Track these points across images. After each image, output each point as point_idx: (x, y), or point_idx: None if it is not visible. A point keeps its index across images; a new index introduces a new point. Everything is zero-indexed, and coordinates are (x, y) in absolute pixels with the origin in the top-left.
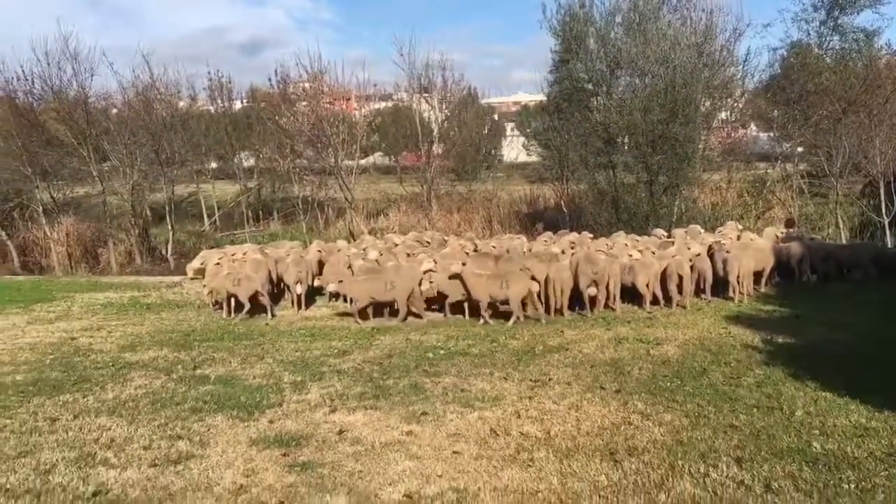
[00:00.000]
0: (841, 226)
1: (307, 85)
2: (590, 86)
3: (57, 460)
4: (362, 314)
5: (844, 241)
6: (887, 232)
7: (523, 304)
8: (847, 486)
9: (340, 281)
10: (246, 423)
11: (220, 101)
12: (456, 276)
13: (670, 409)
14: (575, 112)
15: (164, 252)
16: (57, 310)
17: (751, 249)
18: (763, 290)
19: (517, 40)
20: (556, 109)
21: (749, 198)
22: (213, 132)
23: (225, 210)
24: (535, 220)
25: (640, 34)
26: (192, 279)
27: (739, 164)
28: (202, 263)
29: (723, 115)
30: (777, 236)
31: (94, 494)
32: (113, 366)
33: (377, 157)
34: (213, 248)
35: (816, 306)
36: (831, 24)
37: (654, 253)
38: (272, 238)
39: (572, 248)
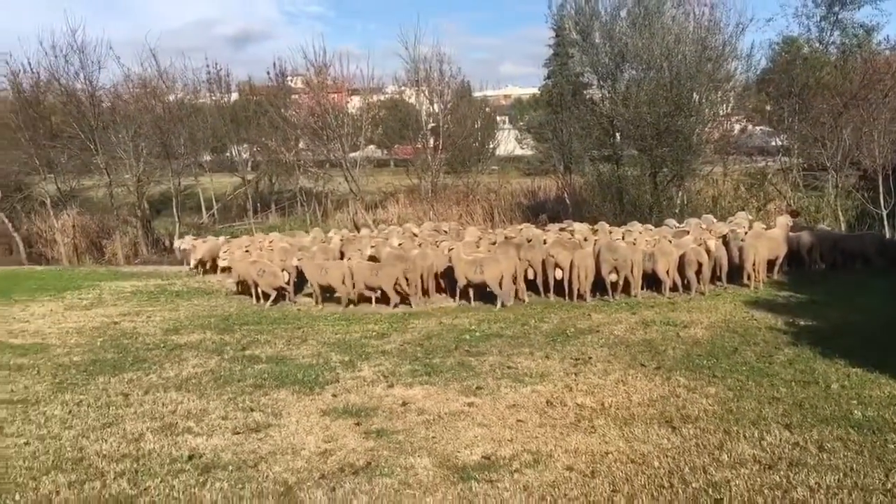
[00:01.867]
0: (840, 217)
1: (313, 78)
2: (595, 79)
3: (143, 430)
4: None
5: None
6: (885, 223)
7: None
8: (893, 446)
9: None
10: (310, 397)
11: (218, 94)
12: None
13: (712, 384)
14: (580, 105)
15: (167, 243)
16: (88, 297)
17: (765, 238)
18: (776, 277)
19: (505, 33)
20: (558, 102)
21: (745, 189)
22: (211, 124)
23: (223, 202)
24: (536, 212)
25: (645, 28)
26: (192, 269)
27: (737, 157)
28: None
29: (723, 108)
30: (788, 226)
31: (190, 458)
32: (164, 347)
33: (370, 150)
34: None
35: (830, 292)
36: (832, 19)
37: (670, 241)
38: (271, 230)
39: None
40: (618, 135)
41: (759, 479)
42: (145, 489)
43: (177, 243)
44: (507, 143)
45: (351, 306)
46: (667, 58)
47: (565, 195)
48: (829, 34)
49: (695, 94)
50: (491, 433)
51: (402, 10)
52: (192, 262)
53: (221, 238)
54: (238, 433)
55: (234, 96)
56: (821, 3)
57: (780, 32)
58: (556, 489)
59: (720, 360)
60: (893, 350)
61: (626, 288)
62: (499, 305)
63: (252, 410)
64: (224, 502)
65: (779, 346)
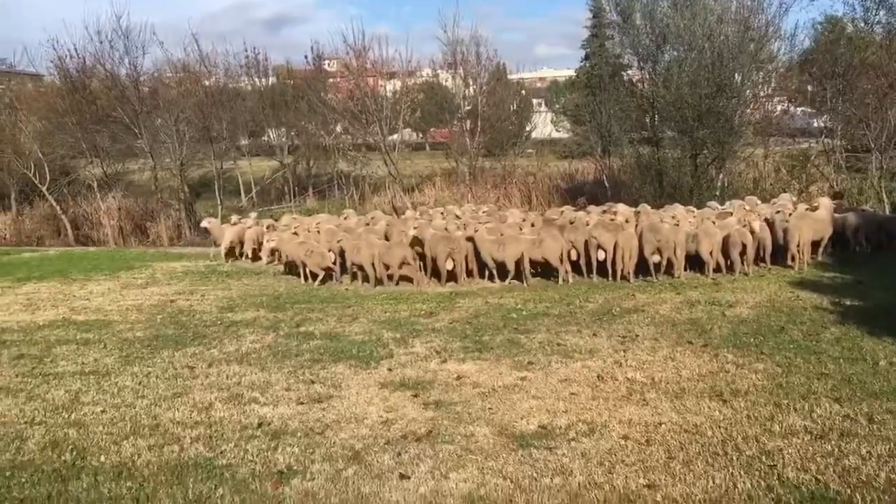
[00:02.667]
0: (884, 199)
1: (353, 62)
2: (635, 61)
3: (212, 399)
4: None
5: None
6: None
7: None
8: None
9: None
10: (367, 371)
11: (256, 79)
12: (470, 240)
13: (761, 360)
14: (618, 87)
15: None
16: (142, 276)
17: (809, 219)
18: (820, 258)
19: (539, 15)
20: (597, 84)
21: (786, 172)
22: (250, 108)
23: (262, 186)
24: (574, 195)
25: (687, 8)
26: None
27: (778, 138)
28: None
29: (765, 89)
30: (832, 207)
31: (259, 425)
32: (221, 324)
33: (407, 133)
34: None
35: (876, 273)
36: None
37: (714, 222)
38: (309, 213)
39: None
40: (657, 116)
41: (810, 448)
42: (221, 452)
43: (205, 223)
44: (544, 126)
45: (390, 286)
46: (708, 38)
47: (604, 178)
48: (874, 14)
49: (737, 75)
50: (545, 405)
51: None
52: (223, 248)
53: (252, 222)
54: (302, 403)
55: (272, 80)
56: None
57: (822, 12)
58: (613, 456)
59: (767, 338)
60: None
61: (669, 269)
62: (507, 280)
63: (313, 383)
64: (297, 464)
65: (825, 324)
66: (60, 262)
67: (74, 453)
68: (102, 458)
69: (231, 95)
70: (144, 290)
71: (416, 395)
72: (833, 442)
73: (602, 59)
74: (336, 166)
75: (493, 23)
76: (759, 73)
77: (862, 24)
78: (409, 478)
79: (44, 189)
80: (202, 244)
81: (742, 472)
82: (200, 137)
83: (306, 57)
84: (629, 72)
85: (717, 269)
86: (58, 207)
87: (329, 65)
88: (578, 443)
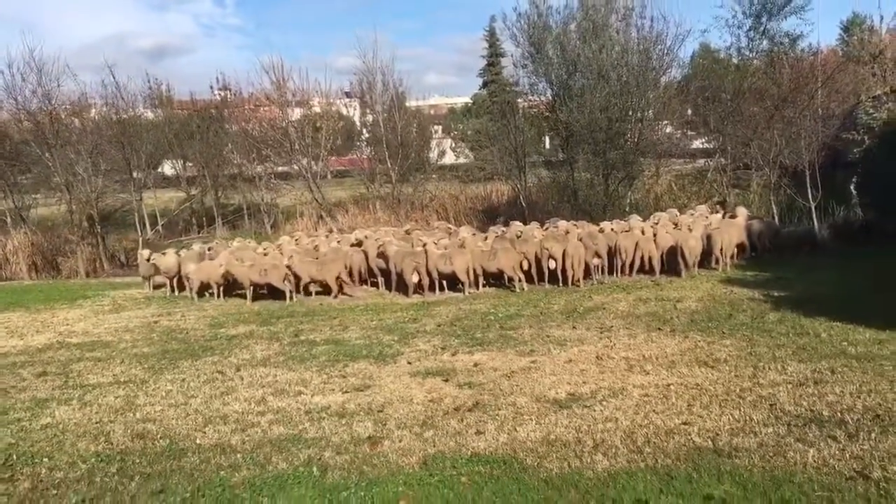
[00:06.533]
0: (774, 210)
1: (272, 92)
2: (548, 88)
3: (262, 394)
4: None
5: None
6: (813, 215)
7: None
8: (889, 368)
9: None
10: (389, 366)
11: (160, 110)
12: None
13: (725, 338)
14: (524, 113)
15: (122, 258)
16: (105, 303)
17: (732, 226)
18: (737, 261)
19: (427, 45)
20: (503, 109)
21: (678, 189)
22: (153, 139)
23: (169, 217)
24: (491, 216)
25: (594, 40)
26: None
27: (666, 159)
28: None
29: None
30: (746, 216)
31: (321, 410)
32: (221, 338)
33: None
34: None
35: (789, 270)
36: (760, 28)
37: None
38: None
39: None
40: (571, 139)
41: (796, 392)
42: (303, 429)
43: (149, 255)
44: (446, 152)
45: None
46: (615, 67)
47: (521, 198)
48: (758, 42)
49: (641, 100)
50: (564, 379)
51: (324, 20)
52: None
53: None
54: (347, 392)
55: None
56: (750, 14)
57: (697, 39)
58: (644, 407)
59: (721, 323)
60: (861, 309)
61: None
62: (466, 292)
63: (345, 377)
64: (377, 433)
65: (764, 311)
66: (7, 295)
67: (167, 440)
68: (198, 441)
69: (150, 125)
70: (118, 314)
71: (446, 380)
72: (811, 387)
73: (499, 87)
74: (247, 196)
75: (382, 52)
76: (656, 98)
77: (747, 53)
78: (483, 433)
79: None
80: (125, 275)
81: (751, 409)
82: (111, 169)
83: (212, 87)
84: (528, 98)
85: (641, 271)
86: None
87: (233, 94)
88: (608, 402)
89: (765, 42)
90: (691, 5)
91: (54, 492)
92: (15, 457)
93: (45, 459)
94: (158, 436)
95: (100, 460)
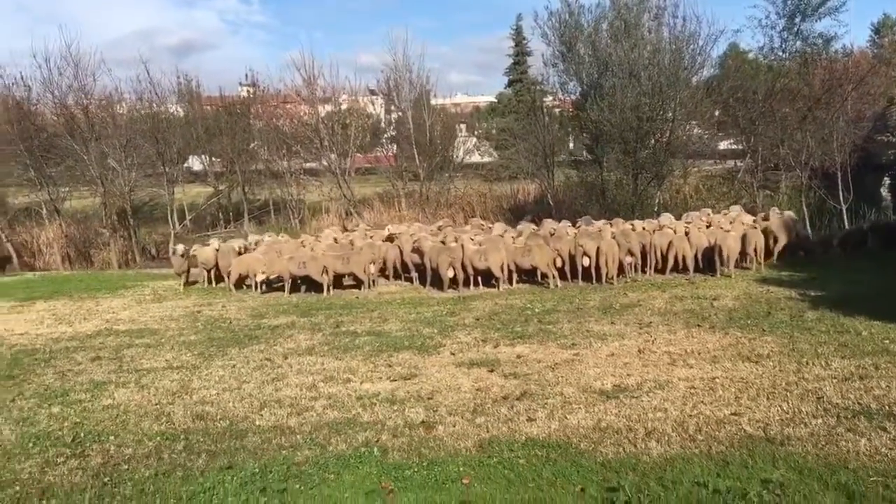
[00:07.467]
0: (804, 213)
1: (303, 89)
2: (578, 87)
3: (312, 381)
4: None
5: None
6: (844, 216)
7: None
8: None
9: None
10: (433, 356)
11: (190, 105)
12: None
13: (765, 335)
14: (550, 112)
15: (153, 252)
16: (146, 293)
17: (766, 228)
18: (770, 261)
19: (450, 44)
20: (529, 108)
21: (705, 190)
22: (182, 134)
23: (197, 212)
24: (517, 214)
25: (626, 39)
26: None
27: (695, 160)
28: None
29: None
30: (782, 217)
31: (372, 396)
32: (264, 328)
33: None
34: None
35: (824, 271)
36: (794, 29)
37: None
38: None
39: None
40: (601, 138)
41: (842, 386)
42: (356, 414)
43: (184, 251)
44: (470, 150)
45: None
46: (646, 67)
47: (548, 196)
48: (791, 44)
49: (672, 100)
50: (608, 371)
51: (348, 18)
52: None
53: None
54: (394, 381)
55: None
56: (783, 14)
57: (728, 39)
58: (692, 399)
59: (760, 321)
60: None
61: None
62: (501, 287)
63: (391, 367)
64: (430, 419)
65: (802, 310)
66: (49, 284)
67: (226, 422)
68: (257, 423)
69: (181, 121)
70: (160, 304)
71: (491, 371)
72: (857, 382)
73: (524, 86)
74: (274, 192)
75: (410, 50)
76: (688, 97)
77: (780, 54)
78: (535, 420)
79: None
80: (157, 268)
81: (799, 402)
82: (144, 163)
83: (241, 83)
84: (556, 97)
85: (676, 269)
86: (2, 235)
87: (262, 91)
88: (655, 393)
89: (798, 43)
90: (723, 4)
91: (125, 466)
92: (83, 434)
93: (112, 437)
94: (218, 417)
95: (165, 438)
